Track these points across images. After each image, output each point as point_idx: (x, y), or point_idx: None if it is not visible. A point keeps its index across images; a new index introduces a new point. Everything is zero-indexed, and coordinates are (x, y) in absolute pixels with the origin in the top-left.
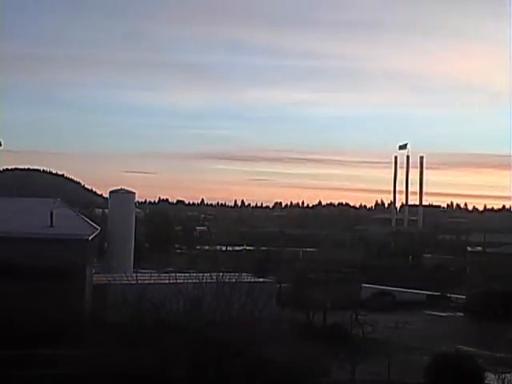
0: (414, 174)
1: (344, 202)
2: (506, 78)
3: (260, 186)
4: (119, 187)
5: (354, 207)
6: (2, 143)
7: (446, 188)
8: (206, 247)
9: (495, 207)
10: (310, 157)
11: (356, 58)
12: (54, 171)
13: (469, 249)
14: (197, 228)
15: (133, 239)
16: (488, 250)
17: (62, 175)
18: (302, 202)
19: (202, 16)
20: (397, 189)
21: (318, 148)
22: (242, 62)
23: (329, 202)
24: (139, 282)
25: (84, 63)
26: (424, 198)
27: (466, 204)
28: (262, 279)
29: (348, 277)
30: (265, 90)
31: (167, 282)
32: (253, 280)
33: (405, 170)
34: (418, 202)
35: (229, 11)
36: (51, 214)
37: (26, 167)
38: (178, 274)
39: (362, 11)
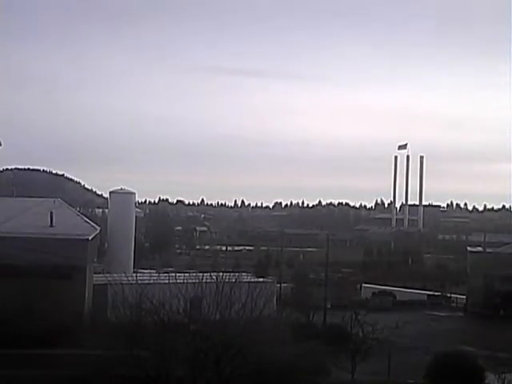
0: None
1: (344, 202)
2: None
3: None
4: (119, 187)
5: (354, 207)
6: (2, 143)
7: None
8: (206, 247)
9: (495, 207)
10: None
11: None
12: (53, 171)
13: (469, 249)
14: (197, 228)
15: (133, 239)
16: (488, 249)
17: (62, 175)
18: (302, 202)
19: None
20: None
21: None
22: None
23: (329, 201)
24: (139, 281)
25: None
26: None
27: (466, 204)
28: (262, 279)
29: (348, 277)
30: None
31: (167, 281)
32: (253, 280)
33: (405, 169)
34: (417, 202)
35: None
36: (51, 213)
37: (26, 167)
38: (177, 274)
39: None
